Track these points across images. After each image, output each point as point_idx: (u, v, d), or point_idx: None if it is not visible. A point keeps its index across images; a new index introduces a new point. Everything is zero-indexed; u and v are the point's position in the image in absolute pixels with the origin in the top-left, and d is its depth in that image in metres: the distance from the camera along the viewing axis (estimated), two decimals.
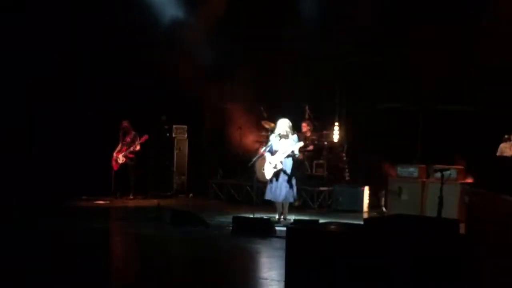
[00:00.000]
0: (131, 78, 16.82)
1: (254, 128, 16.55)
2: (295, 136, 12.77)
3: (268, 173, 12.67)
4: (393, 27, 15.37)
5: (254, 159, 13.13)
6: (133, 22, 16.02)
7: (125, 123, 16.11)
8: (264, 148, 13.01)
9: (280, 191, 12.53)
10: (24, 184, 15.03)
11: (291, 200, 12.80)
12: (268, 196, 12.77)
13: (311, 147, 15.79)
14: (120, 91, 16.58)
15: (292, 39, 16.16)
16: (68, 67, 16.46)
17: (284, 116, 12.87)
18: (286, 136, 12.57)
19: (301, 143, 12.72)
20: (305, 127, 15.67)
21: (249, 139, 16.66)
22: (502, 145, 13.02)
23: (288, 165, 12.59)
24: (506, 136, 12.96)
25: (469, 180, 12.99)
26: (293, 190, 12.65)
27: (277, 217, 12.72)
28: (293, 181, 12.66)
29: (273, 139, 12.70)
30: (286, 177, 12.54)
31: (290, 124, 12.73)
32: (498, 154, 12.85)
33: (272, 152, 12.64)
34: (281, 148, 12.53)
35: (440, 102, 15.08)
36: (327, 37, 16.27)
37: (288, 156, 12.52)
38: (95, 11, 15.96)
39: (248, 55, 16.67)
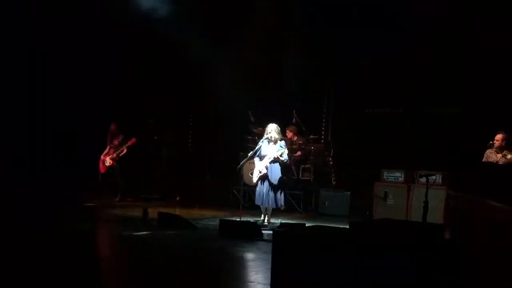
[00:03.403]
0: (121, 81, 16.91)
1: (242, 132, 16.58)
2: (283, 142, 12.80)
3: (255, 177, 12.73)
4: (380, 31, 15.49)
5: (241, 163, 13.17)
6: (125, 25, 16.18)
7: (113, 126, 16.13)
8: (252, 153, 13.04)
9: (267, 196, 12.57)
10: (12, 185, 15.07)
11: (274, 206, 12.80)
12: (256, 200, 12.83)
13: (299, 153, 15.85)
14: (108, 94, 16.64)
15: (280, 42, 16.30)
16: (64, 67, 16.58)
17: (272, 120, 12.91)
18: (274, 141, 12.61)
19: (287, 150, 12.74)
20: (289, 133, 15.71)
21: (236, 143, 16.70)
22: (488, 151, 13.09)
23: (275, 170, 12.63)
24: (491, 142, 13.05)
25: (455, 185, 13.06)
26: (277, 196, 12.66)
27: (261, 218, 12.76)
28: (280, 187, 12.69)
29: (262, 143, 12.74)
30: (271, 183, 12.57)
31: (279, 129, 12.77)
32: (484, 160, 12.93)
33: (260, 157, 12.69)
34: (269, 153, 12.58)
35: (427, 106, 15.18)
36: (316, 40, 16.39)
37: (274, 161, 12.56)
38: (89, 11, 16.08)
39: (235, 57, 16.76)
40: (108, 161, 15.98)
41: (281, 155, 12.48)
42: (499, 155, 12.66)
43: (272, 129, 12.62)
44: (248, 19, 16.64)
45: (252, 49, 16.49)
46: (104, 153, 16.13)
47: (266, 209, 12.77)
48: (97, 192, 15.91)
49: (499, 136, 12.71)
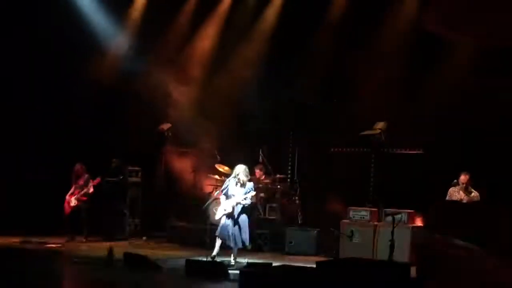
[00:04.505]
0: (83, 119, 16.93)
1: (208, 171, 16.58)
2: (251, 184, 12.79)
3: (219, 214, 12.68)
4: (344, 72, 15.76)
5: (208, 202, 13.13)
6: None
7: (78, 166, 16.04)
8: (218, 192, 13.00)
9: (232, 235, 12.49)
10: None
11: (240, 246, 12.74)
12: (217, 232, 12.71)
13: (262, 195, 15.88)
14: (72, 133, 16.63)
15: (247, 83, 16.47)
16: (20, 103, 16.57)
17: (238, 161, 12.92)
18: (242, 183, 12.59)
19: (253, 193, 12.73)
20: (258, 172, 15.76)
21: (203, 182, 16.68)
22: (451, 189, 13.28)
23: (241, 209, 12.58)
24: (455, 181, 13.25)
25: (420, 223, 13.17)
26: (243, 236, 12.59)
27: (214, 254, 12.68)
28: (245, 227, 12.65)
29: (229, 182, 12.72)
30: (237, 222, 12.54)
31: (248, 171, 12.76)
32: (447, 198, 13.09)
33: (228, 196, 12.65)
34: (236, 194, 12.55)
35: (391, 145, 15.32)
36: (282, 81, 16.57)
37: (238, 204, 12.53)
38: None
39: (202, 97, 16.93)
40: (74, 202, 15.86)
41: (245, 199, 12.45)
42: (463, 193, 12.85)
43: (240, 171, 12.59)
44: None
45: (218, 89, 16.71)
46: (69, 193, 16.01)
47: (227, 244, 12.65)
48: (62, 232, 15.73)
49: (465, 178, 12.92)
